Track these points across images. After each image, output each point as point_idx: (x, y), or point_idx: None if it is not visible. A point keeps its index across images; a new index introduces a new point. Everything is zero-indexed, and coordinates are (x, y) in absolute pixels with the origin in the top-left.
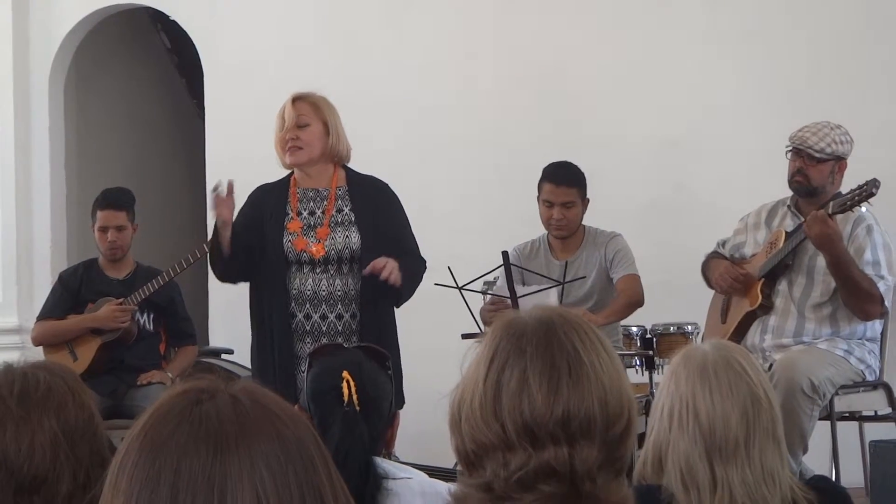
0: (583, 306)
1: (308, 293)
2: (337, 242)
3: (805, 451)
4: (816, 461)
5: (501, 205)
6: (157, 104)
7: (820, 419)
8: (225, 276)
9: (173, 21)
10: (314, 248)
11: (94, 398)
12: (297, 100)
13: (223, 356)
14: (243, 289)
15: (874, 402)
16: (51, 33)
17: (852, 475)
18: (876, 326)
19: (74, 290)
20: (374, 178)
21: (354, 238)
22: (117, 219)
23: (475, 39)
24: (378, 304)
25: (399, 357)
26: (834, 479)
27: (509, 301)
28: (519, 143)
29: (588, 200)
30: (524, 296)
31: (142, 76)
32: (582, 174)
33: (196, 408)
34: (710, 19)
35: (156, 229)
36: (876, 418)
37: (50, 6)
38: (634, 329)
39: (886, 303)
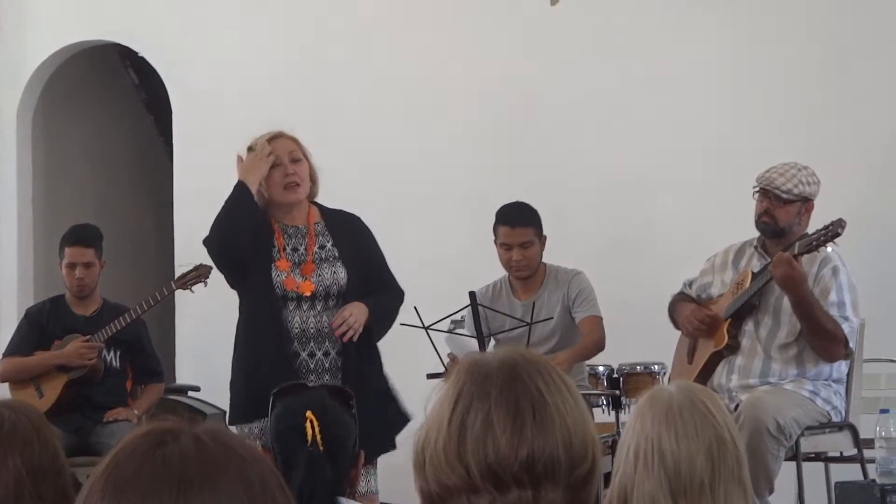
0: (546, 344)
1: (296, 331)
2: (324, 279)
3: (771, 491)
4: (783, 502)
5: (468, 244)
6: (125, 140)
7: (786, 460)
8: (227, 240)
9: (142, 58)
10: (303, 287)
11: (59, 436)
12: (279, 136)
13: (190, 394)
14: (211, 326)
15: (840, 443)
16: (19, 69)
17: None
18: (842, 367)
19: (41, 326)
20: (345, 211)
21: (341, 273)
22: (85, 255)
23: (445, 77)
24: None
25: (388, 384)
26: None
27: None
28: (486, 183)
29: (545, 237)
30: (493, 334)
31: (110, 112)
32: (535, 212)
33: (160, 449)
34: (674, 58)
35: (123, 266)
36: (841, 459)
37: (18, 42)
38: (601, 369)
39: (851, 344)
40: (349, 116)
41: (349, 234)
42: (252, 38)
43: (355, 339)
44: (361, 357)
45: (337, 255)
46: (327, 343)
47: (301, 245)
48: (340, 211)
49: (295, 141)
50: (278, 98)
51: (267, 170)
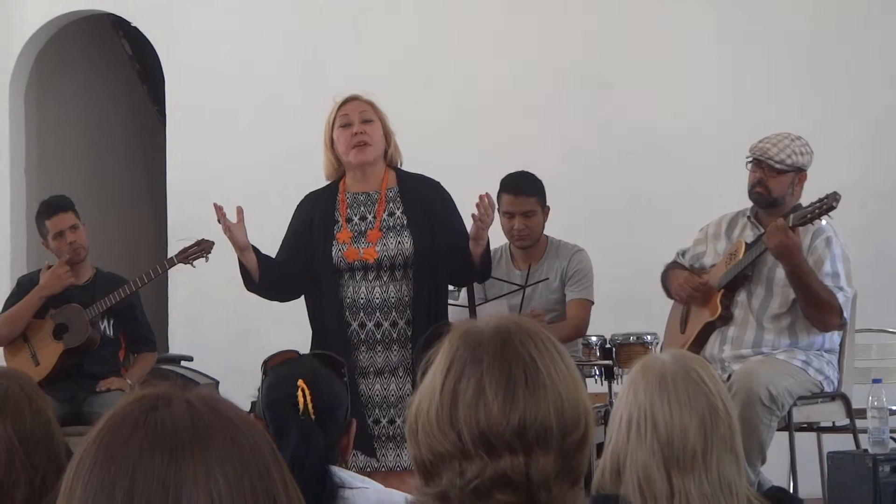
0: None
1: (361, 302)
2: (389, 248)
3: (763, 461)
4: (775, 472)
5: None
6: (119, 111)
7: (778, 430)
8: (266, 296)
9: (135, 27)
10: (366, 254)
11: (52, 404)
12: (353, 99)
13: (183, 363)
14: (204, 296)
15: (832, 413)
16: (11, 39)
17: (810, 486)
18: (834, 338)
19: None
20: (425, 176)
21: (407, 244)
22: (68, 219)
23: (434, 54)
24: (439, 287)
25: None
26: (792, 489)
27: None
28: (478, 156)
29: (548, 208)
30: (482, 303)
31: (103, 83)
32: (540, 182)
33: (151, 414)
34: (665, 32)
35: (116, 235)
36: (834, 429)
37: (10, 12)
38: (594, 339)
39: (845, 314)
40: (342, 87)
41: (422, 201)
42: (244, 7)
43: (485, 228)
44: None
45: (405, 223)
46: (394, 313)
47: (370, 213)
48: (420, 176)
49: (369, 103)
50: (271, 67)
51: (242, 235)
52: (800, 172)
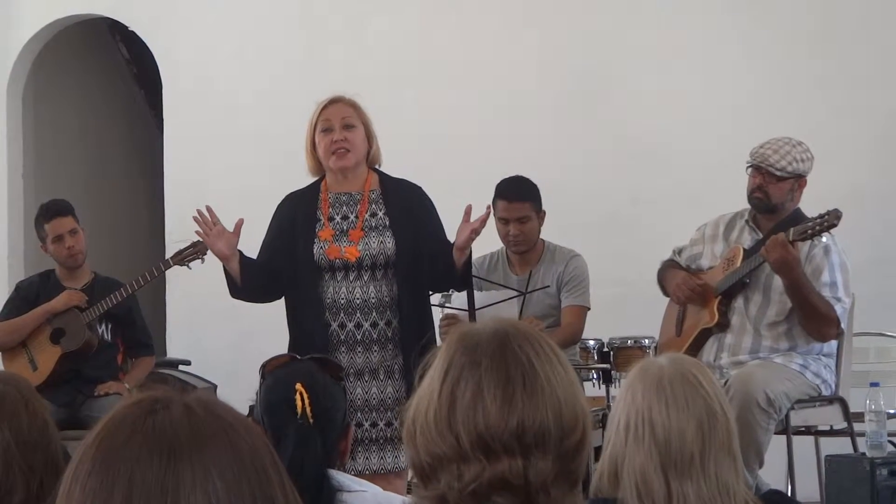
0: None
1: (342, 302)
2: (371, 248)
3: (761, 465)
4: (772, 475)
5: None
6: (116, 115)
7: (776, 433)
8: (249, 300)
9: (132, 32)
10: (348, 252)
11: (49, 408)
12: (335, 101)
13: (181, 367)
14: (201, 300)
15: (830, 416)
16: (8, 43)
17: (808, 490)
18: (832, 342)
19: (31, 299)
20: (407, 180)
21: (389, 244)
22: (67, 224)
23: (434, 54)
24: (422, 298)
25: None
26: (790, 493)
27: (461, 315)
28: (477, 158)
29: (544, 213)
30: (484, 307)
31: (100, 87)
32: (535, 187)
33: (150, 417)
34: (664, 33)
35: (114, 240)
36: (831, 433)
37: (7, 16)
38: (591, 342)
39: (842, 325)
40: (341, 86)
41: (405, 204)
42: (242, 11)
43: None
44: (418, 328)
45: (387, 224)
46: (374, 313)
47: (352, 212)
48: (401, 180)
49: (353, 106)
50: (268, 72)
51: (226, 245)
52: (800, 179)
